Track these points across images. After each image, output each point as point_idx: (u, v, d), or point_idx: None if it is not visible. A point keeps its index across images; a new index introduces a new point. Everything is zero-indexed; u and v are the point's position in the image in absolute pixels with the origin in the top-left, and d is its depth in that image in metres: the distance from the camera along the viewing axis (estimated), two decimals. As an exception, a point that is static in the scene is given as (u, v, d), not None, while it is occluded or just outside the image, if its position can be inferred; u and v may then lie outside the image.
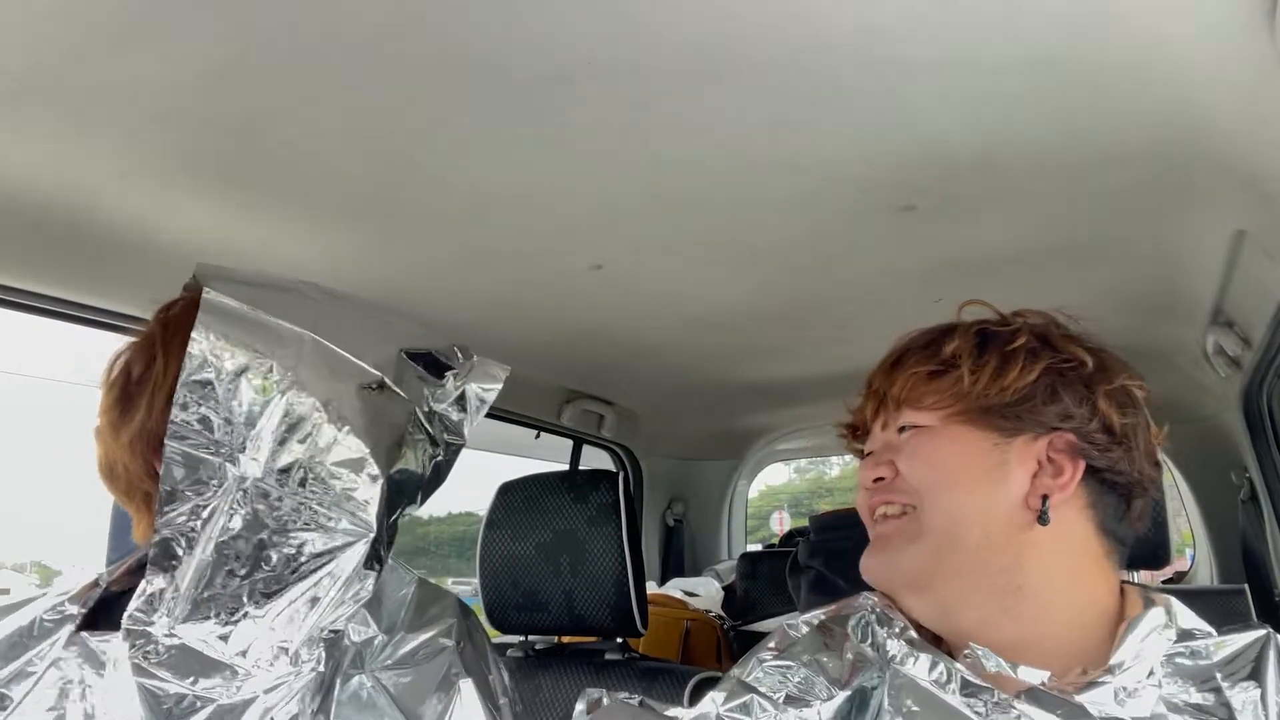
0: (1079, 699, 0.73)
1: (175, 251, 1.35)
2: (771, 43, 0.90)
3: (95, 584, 0.99)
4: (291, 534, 0.87)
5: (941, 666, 0.78)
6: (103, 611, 0.95)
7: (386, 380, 0.93)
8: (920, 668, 0.78)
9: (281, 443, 0.86)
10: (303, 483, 0.87)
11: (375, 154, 1.13)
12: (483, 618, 1.65)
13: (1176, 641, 0.77)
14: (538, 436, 2.59)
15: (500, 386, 1.01)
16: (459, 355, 1.02)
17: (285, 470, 0.86)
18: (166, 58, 0.90)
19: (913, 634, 0.82)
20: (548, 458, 2.82)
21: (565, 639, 1.85)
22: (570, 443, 2.80)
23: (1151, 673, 0.75)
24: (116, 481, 0.96)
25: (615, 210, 1.33)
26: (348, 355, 0.91)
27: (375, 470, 0.89)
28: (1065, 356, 0.84)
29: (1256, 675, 0.74)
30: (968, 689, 0.76)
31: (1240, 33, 0.84)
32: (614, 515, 1.68)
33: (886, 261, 1.57)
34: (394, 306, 1.65)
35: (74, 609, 0.95)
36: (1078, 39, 0.90)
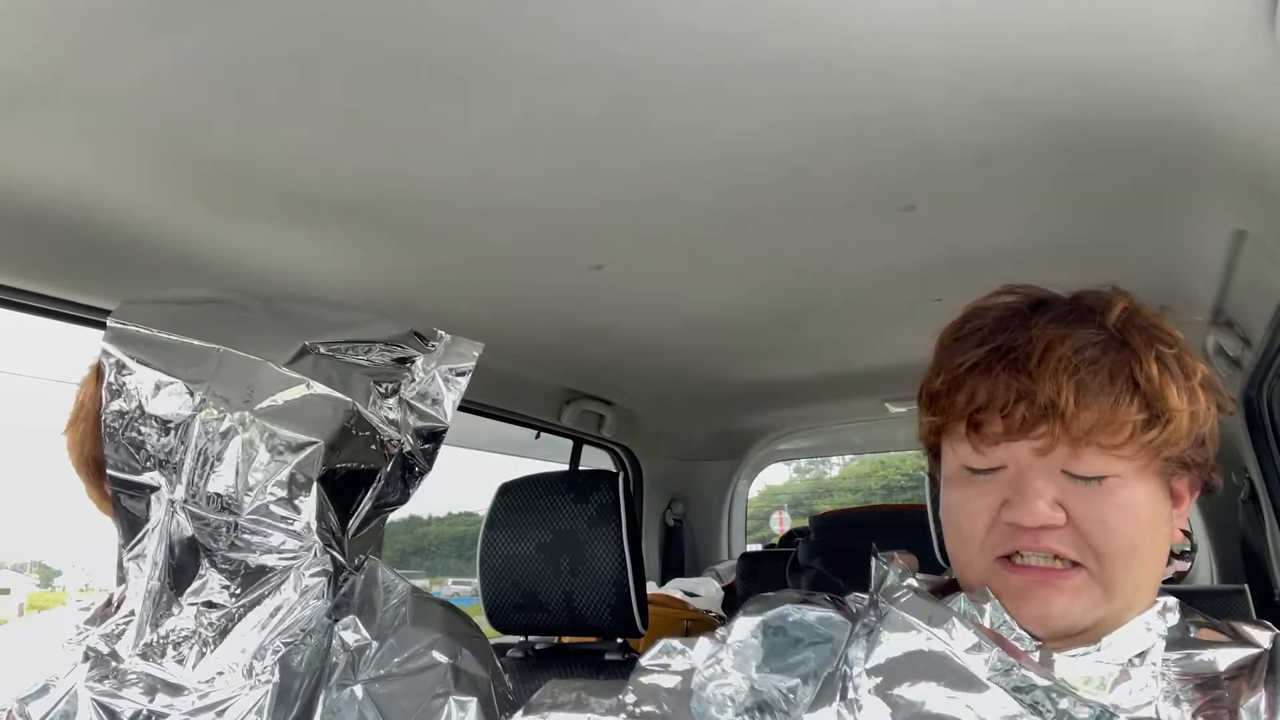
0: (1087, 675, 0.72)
1: (175, 251, 1.36)
2: (771, 43, 0.90)
3: (108, 603, 1.00)
4: (229, 552, 0.86)
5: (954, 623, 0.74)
6: None
7: (312, 383, 0.90)
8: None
9: (203, 463, 0.85)
10: (230, 500, 0.86)
11: (375, 154, 1.13)
12: (483, 618, 1.65)
13: (1174, 645, 0.76)
14: (538, 436, 2.59)
15: (473, 364, 0.98)
16: (421, 339, 0.99)
17: (212, 491, 0.85)
18: (166, 58, 0.90)
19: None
20: (548, 458, 2.82)
21: (565, 639, 1.85)
22: (570, 443, 2.80)
23: (1146, 656, 0.74)
24: (92, 501, 0.98)
25: (615, 210, 1.33)
26: (266, 363, 0.89)
27: (306, 478, 0.87)
28: (1207, 380, 0.77)
29: (1257, 683, 0.73)
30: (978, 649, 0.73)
31: (1240, 32, 0.83)
32: (614, 515, 1.68)
33: (886, 261, 1.57)
34: (392, 306, 1.66)
35: (91, 630, 0.96)
36: (1078, 39, 0.90)
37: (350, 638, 0.91)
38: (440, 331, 1.00)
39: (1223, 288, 1.55)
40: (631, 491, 2.31)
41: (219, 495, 0.86)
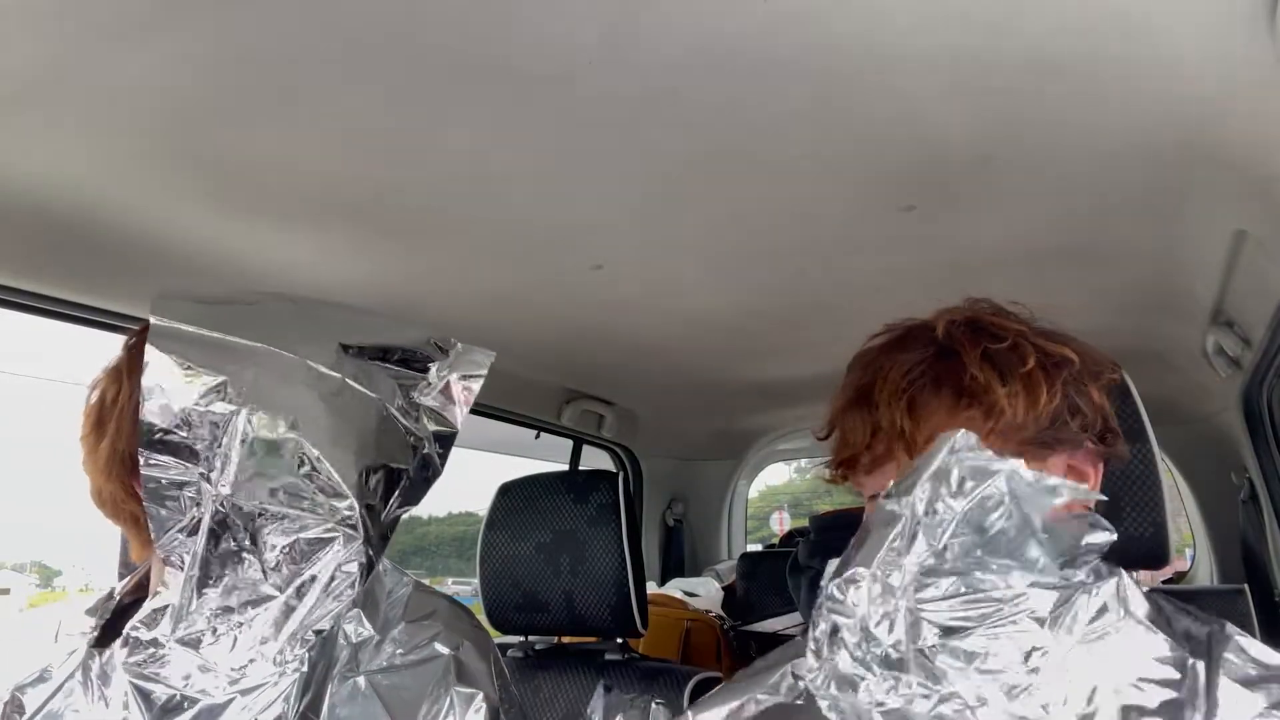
0: None
1: (176, 251, 1.36)
2: (771, 43, 0.90)
3: (110, 596, 1.02)
4: (270, 545, 0.88)
5: None
6: (117, 622, 0.98)
7: (348, 381, 0.93)
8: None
9: (248, 459, 0.87)
10: (274, 495, 0.88)
11: (375, 154, 1.13)
12: (483, 618, 1.65)
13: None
14: (538, 436, 2.59)
15: (485, 373, 1.01)
16: (438, 347, 1.02)
17: (255, 485, 0.88)
18: (166, 58, 0.90)
19: None
20: (548, 458, 2.82)
21: (565, 639, 1.85)
22: (570, 443, 2.80)
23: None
24: (104, 505, 0.99)
25: (615, 210, 1.33)
26: (306, 362, 0.92)
27: (345, 473, 0.89)
28: (1059, 359, 0.82)
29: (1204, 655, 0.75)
30: None
31: (1240, 32, 0.84)
32: (614, 515, 1.69)
33: (886, 261, 1.57)
34: (391, 307, 1.66)
35: (91, 621, 0.98)
36: (1078, 39, 0.90)
37: (353, 630, 0.93)
38: (454, 339, 1.03)
39: (1223, 288, 1.55)
40: (631, 491, 2.31)
41: (263, 489, 0.88)
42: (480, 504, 1.89)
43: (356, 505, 0.89)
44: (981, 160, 1.17)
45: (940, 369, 0.82)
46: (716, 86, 0.98)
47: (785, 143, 1.12)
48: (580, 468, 2.83)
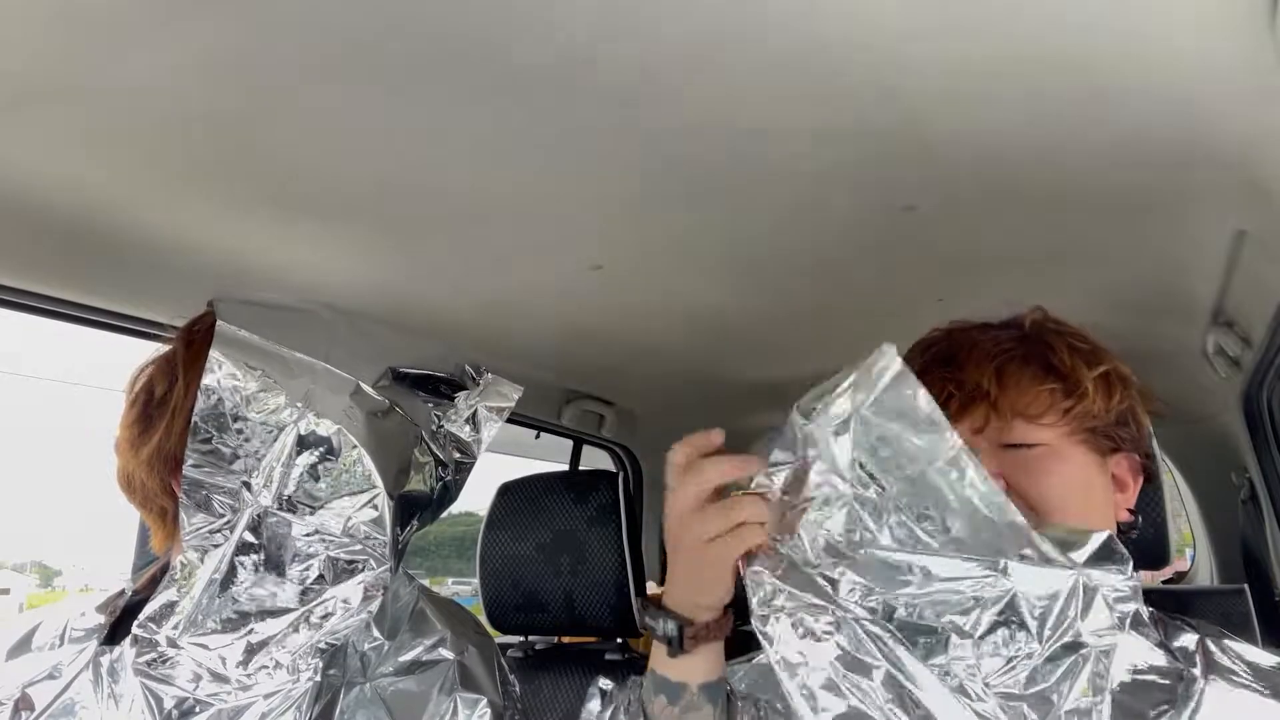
0: None
1: (178, 252, 1.36)
2: (771, 42, 0.90)
3: (121, 593, 1.02)
4: (302, 558, 0.90)
5: None
6: (127, 619, 0.98)
7: (395, 405, 0.94)
8: None
9: (293, 472, 0.89)
10: (313, 510, 0.89)
11: (374, 153, 1.13)
12: (483, 618, 1.65)
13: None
14: (538, 436, 2.59)
15: (512, 406, 1.03)
16: (471, 375, 1.04)
17: (296, 498, 0.89)
18: (168, 59, 0.90)
19: None
20: (548, 458, 2.82)
21: (565, 639, 1.85)
22: (570, 443, 2.80)
23: None
24: (134, 494, 0.98)
25: (615, 210, 1.33)
26: (357, 382, 0.94)
27: (384, 495, 0.91)
28: (1125, 373, 0.88)
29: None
30: None
31: (1240, 33, 0.84)
32: (614, 515, 1.69)
33: (886, 261, 1.57)
34: (391, 307, 1.66)
35: (101, 618, 0.98)
36: (1077, 39, 0.90)
37: (362, 638, 0.93)
38: (484, 369, 1.05)
39: (1223, 288, 1.55)
40: (631, 491, 2.31)
41: (304, 505, 0.89)
42: (480, 504, 1.89)
43: (389, 530, 0.91)
44: (981, 160, 1.17)
45: (1029, 348, 0.88)
46: (716, 87, 0.98)
47: (785, 143, 1.12)
48: (580, 468, 2.83)
